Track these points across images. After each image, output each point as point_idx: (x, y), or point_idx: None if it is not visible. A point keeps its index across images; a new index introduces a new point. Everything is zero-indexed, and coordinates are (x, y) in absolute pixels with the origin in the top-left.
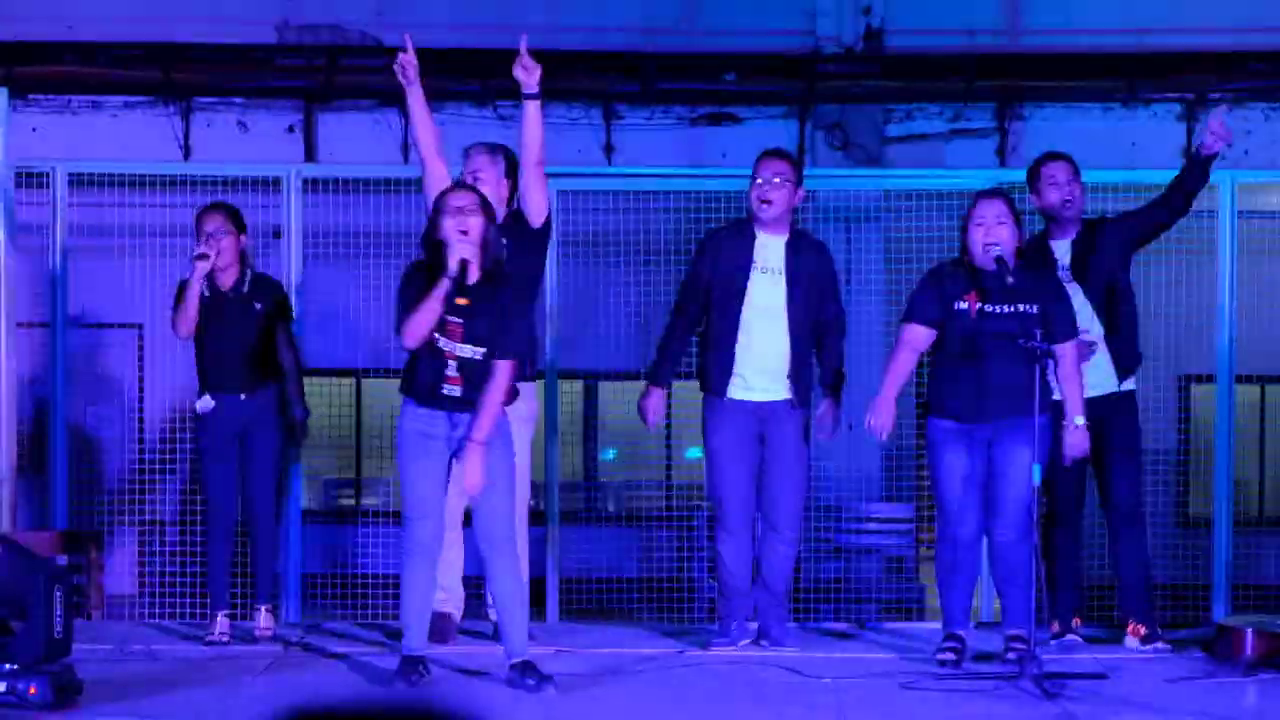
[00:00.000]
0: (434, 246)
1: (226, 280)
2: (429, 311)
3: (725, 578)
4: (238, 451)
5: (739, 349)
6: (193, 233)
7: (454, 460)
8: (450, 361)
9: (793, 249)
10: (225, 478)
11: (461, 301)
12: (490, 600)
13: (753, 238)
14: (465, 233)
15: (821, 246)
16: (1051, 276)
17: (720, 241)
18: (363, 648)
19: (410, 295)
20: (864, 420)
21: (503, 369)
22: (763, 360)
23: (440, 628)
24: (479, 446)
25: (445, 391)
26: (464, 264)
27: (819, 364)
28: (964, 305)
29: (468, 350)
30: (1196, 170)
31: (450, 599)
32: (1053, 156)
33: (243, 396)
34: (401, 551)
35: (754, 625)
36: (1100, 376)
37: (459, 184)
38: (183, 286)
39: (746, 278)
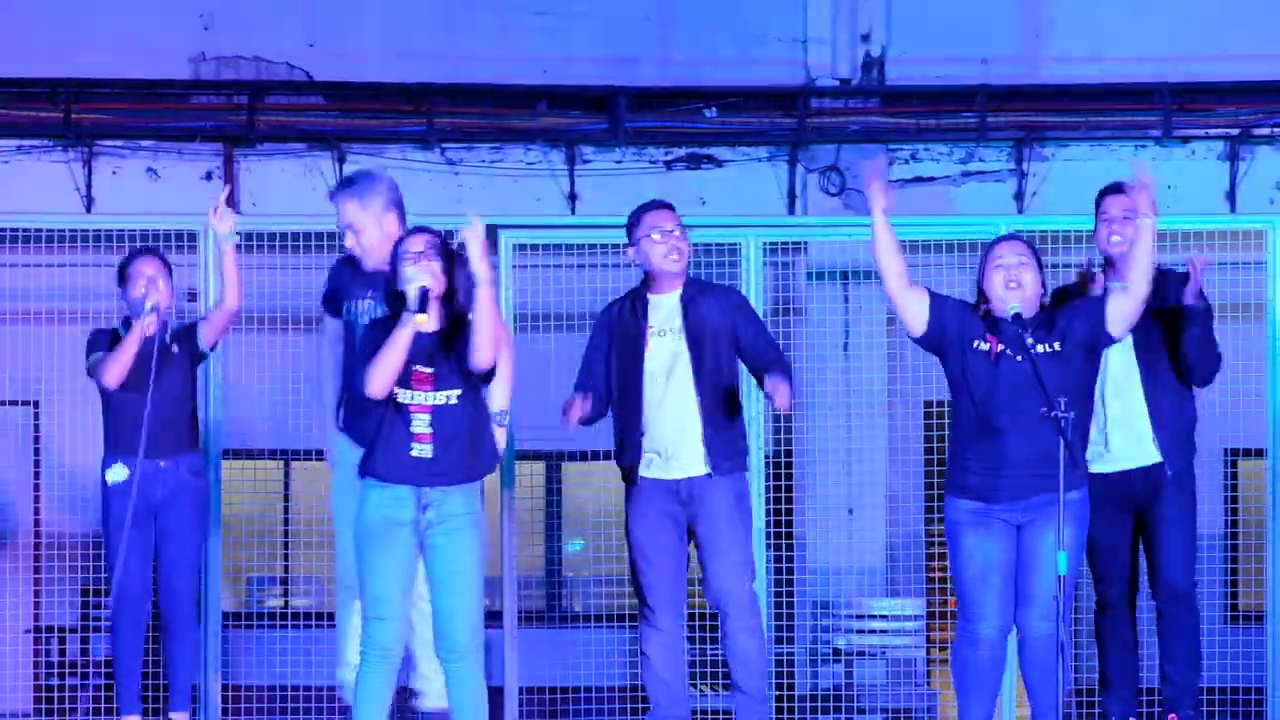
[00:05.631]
0: (397, 299)
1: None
2: (394, 352)
3: (654, 686)
4: (152, 530)
5: (647, 428)
6: (117, 283)
7: (422, 551)
8: (419, 415)
9: (688, 302)
10: (138, 558)
11: (427, 328)
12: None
13: (645, 301)
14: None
15: (723, 290)
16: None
17: (616, 313)
18: None
19: (371, 345)
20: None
21: None
22: (673, 436)
23: None
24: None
25: (414, 453)
26: (424, 293)
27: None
28: (984, 346)
29: (442, 397)
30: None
31: (432, 685)
32: (1112, 190)
33: (162, 464)
34: (360, 655)
35: None
36: (1144, 446)
37: (416, 229)
38: (94, 335)
39: (642, 344)
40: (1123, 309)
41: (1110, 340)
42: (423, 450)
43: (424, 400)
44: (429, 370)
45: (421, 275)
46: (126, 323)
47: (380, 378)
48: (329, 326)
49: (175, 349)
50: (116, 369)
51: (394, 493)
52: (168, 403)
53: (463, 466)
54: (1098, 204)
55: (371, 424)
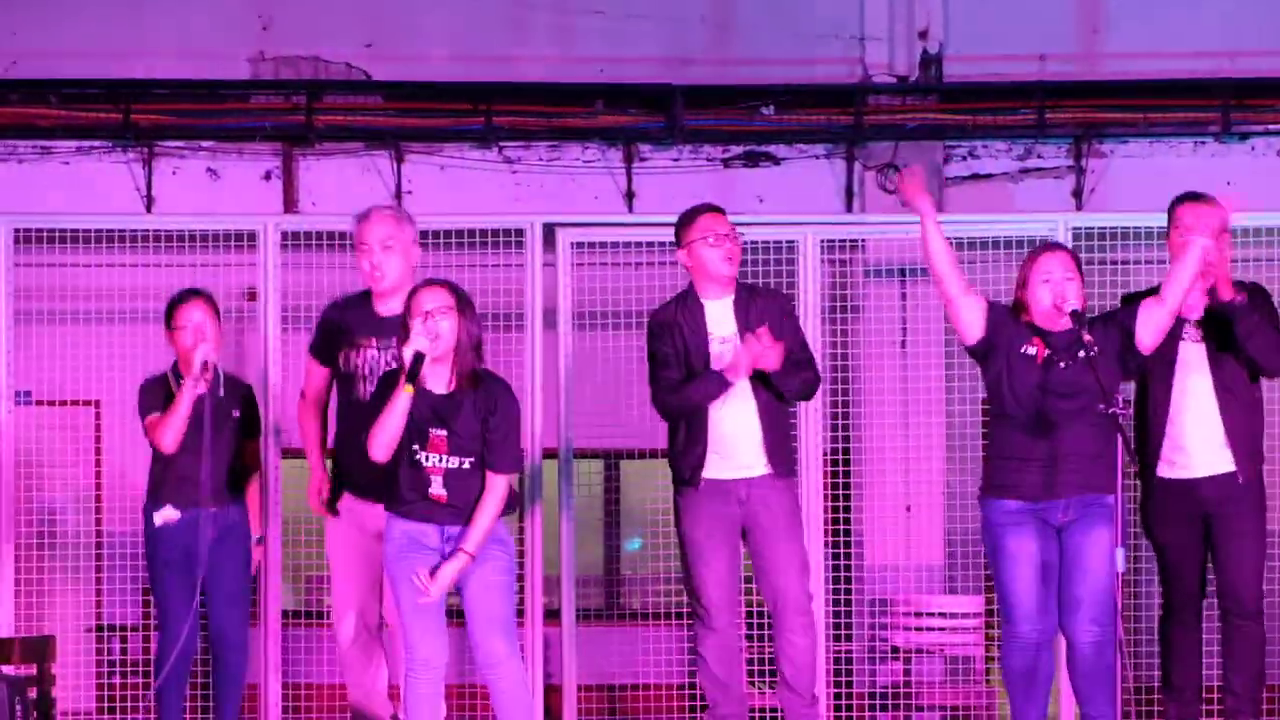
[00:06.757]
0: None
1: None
2: (391, 421)
3: (711, 686)
4: (198, 574)
5: (710, 428)
6: (164, 315)
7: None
8: (434, 477)
9: (740, 308)
10: (187, 603)
11: (417, 395)
12: None
13: (700, 307)
14: (436, 338)
15: (771, 293)
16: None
17: (673, 315)
18: None
19: (376, 406)
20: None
21: (498, 483)
22: (734, 436)
23: None
24: (466, 557)
25: (433, 496)
26: (419, 358)
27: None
28: (1031, 350)
29: (454, 462)
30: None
31: None
32: (1188, 198)
33: (214, 511)
34: (405, 671)
35: None
36: (1215, 454)
37: (431, 281)
38: (145, 390)
39: (706, 349)
40: (1153, 319)
41: (1139, 351)
42: (437, 494)
43: (438, 463)
44: (443, 432)
45: (421, 339)
46: (175, 368)
47: (381, 445)
48: (314, 379)
49: (235, 414)
50: (171, 434)
51: (418, 526)
52: (220, 454)
53: None
54: (1173, 210)
55: (373, 474)
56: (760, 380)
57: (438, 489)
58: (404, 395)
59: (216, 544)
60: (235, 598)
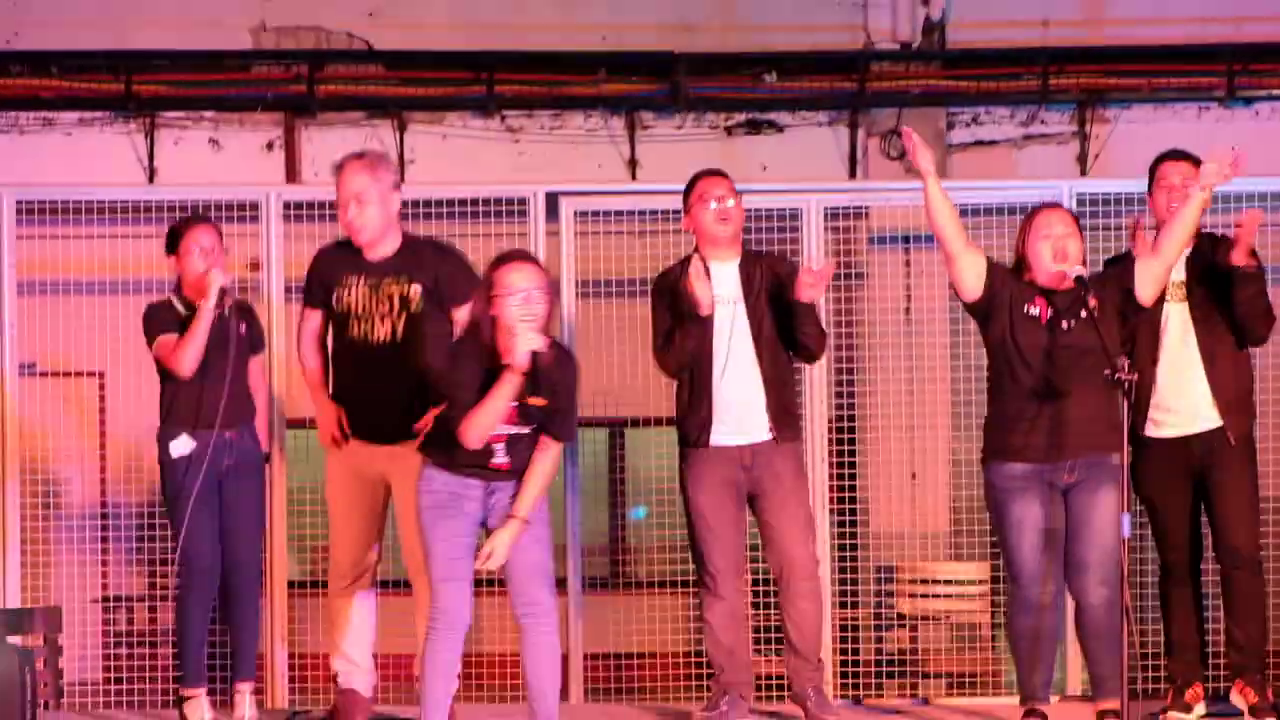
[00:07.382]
0: (488, 324)
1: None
2: (495, 414)
3: (718, 652)
4: (218, 499)
5: (715, 394)
6: (166, 249)
7: (484, 527)
8: (498, 445)
9: (745, 272)
10: (209, 526)
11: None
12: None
13: (706, 269)
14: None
15: (777, 259)
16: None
17: (675, 281)
18: None
19: (463, 383)
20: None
21: (555, 450)
22: (739, 402)
23: (347, 706)
24: (521, 523)
25: (493, 464)
26: (535, 359)
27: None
28: (1035, 310)
29: (516, 429)
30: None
31: (357, 671)
32: (1170, 156)
33: (227, 434)
34: (429, 622)
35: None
36: (1202, 411)
37: (516, 255)
38: (153, 312)
39: (711, 313)
40: (1151, 273)
41: (1139, 305)
42: (500, 463)
43: (501, 431)
44: (514, 404)
45: (535, 338)
46: (178, 291)
47: (478, 437)
48: (310, 321)
49: (243, 330)
50: (191, 356)
51: (463, 480)
52: (237, 378)
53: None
54: (1154, 170)
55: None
56: (765, 347)
57: (500, 458)
58: (514, 385)
59: (233, 472)
60: (252, 530)
